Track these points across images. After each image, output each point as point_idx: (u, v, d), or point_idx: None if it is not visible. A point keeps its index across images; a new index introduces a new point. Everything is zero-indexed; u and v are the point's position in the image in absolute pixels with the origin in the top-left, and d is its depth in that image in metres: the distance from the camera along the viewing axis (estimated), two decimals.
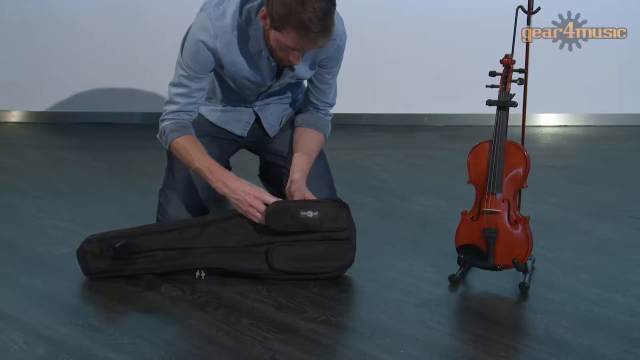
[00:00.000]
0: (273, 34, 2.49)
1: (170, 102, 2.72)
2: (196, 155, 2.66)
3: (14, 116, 4.80)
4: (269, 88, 2.78)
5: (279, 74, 2.73)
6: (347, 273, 2.64)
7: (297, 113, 2.94)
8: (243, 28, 2.61)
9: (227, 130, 2.92)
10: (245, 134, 2.94)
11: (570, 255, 2.84)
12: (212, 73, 2.73)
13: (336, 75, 2.83)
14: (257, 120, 2.93)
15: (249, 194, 2.58)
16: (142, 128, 4.66)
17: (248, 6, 2.61)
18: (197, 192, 2.82)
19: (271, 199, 2.59)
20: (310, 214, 2.59)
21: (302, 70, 2.73)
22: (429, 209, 3.32)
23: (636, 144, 4.53)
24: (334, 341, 2.25)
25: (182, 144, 2.68)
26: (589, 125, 4.83)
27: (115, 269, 2.59)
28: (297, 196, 2.67)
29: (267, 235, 2.60)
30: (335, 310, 2.42)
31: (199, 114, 2.86)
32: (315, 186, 2.76)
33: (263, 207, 2.58)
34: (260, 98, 2.86)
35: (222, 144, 2.92)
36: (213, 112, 2.90)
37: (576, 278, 2.65)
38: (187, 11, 4.57)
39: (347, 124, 4.56)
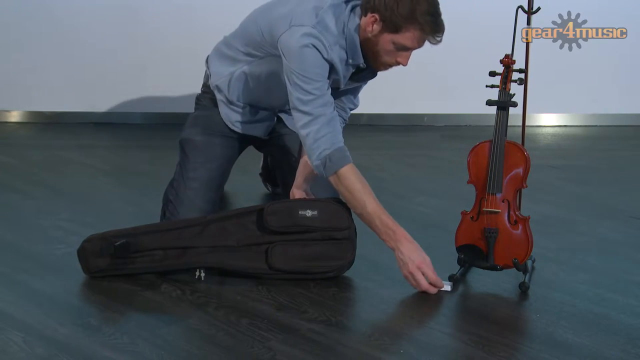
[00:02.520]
0: (387, 37, 2.55)
1: (313, 119, 2.53)
2: (368, 198, 2.54)
3: (14, 116, 4.80)
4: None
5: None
6: (347, 273, 2.64)
7: None
8: (338, 37, 2.63)
9: (250, 134, 2.93)
10: (267, 136, 2.96)
11: (570, 255, 2.84)
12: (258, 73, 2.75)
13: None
14: (278, 119, 2.94)
15: (413, 262, 2.49)
16: (142, 128, 4.66)
17: (342, 16, 2.62)
18: (211, 192, 2.83)
19: (432, 275, 2.49)
20: (309, 212, 2.60)
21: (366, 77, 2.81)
22: (429, 209, 3.32)
23: (636, 144, 4.53)
24: (334, 341, 2.25)
25: (351, 179, 2.55)
26: (589, 125, 4.83)
27: (116, 267, 2.59)
28: (298, 197, 2.68)
29: (267, 234, 2.60)
30: (335, 310, 2.42)
31: (221, 120, 2.87)
32: (318, 186, 2.77)
33: (423, 280, 2.49)
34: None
35: (235, 144, 2.93)
36: (237, 123, 2.91)
37: (576, 278, 2.65)
38: (187, 11, 4.61)
39: (347, 124, 4.54)
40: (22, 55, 4.70)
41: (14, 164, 3.96)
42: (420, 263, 2.49)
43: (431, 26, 2.52)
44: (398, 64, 2.63)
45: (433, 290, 2.49)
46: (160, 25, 4.65)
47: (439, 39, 2.58)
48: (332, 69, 2.62)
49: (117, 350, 2.16)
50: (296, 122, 2.57)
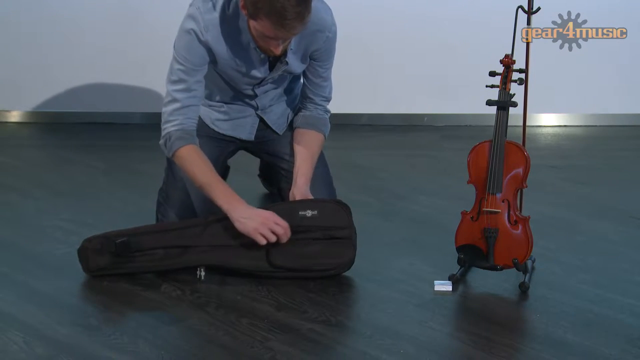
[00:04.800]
0: (251, 23, 2.50)
1: (171, 101, 2.65)
2: (200, 169, 2.62)
3: (14, 116, 4.80)
4: (262, 81, 2.77)
5: (271, 66, 2.72)
6: (347, 273, 2.64)
7: (295, 112, 2.93)
8: (231, 21, 2.61)
9: (233, 137, 2.91)
10: (252, 137, 2.93)
11: (570, 255, 2.84)
12: (208, 66, 2.70)
13: (330, 68, 2.81)
14: (262, 121, 2.92)
15: (256, 218, 2.55)
16: (142, 128, 4.65)
17: None
18: (199, 190, 2.82)
19: (283, 223, 2.55)
20: (309, 213, 2.60)
21: (294, 64, 2.72)
22: (429, 209, 3.32)
23: (636, 144, 4.52)
24: (334, 341, 2.25)
25: (185, 155, 2.63)
26: (589, 125, 4.83)
27: (116, 266, 2.59)
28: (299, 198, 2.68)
29: None
30: (335, 310, 2.42)
31: (202, 121, 2.84)
32: (315, 186, 2.77)
33: (272, 232, 2.54)
34: (256, 93, 2.83)
35: (221, 144, 2.91)
36: (217, 122, 2.89)
37: (576, 278, 2.65)
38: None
39: (347, 124, 4.56)
40: (22, 55, 4.70)
41: (14, 164, 3.96)
42: (265, 218, 2.54)
43: (277, 18, 2.39)
44: (272, 52, 2.56)
45: (286, 236, 2.55)
46: (161, 25, 4.63)
47: (295, 32, 2.47)
48: (215, 52, 2.62)
49: (117, 350, 2.16)
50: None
